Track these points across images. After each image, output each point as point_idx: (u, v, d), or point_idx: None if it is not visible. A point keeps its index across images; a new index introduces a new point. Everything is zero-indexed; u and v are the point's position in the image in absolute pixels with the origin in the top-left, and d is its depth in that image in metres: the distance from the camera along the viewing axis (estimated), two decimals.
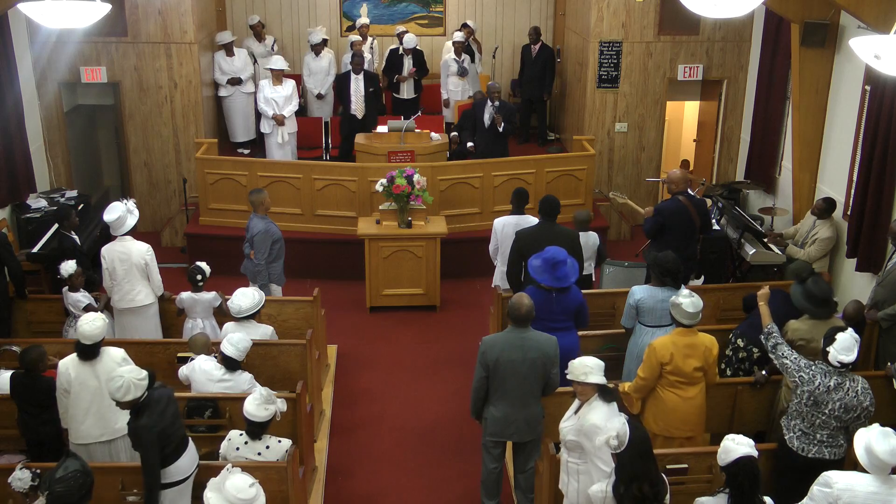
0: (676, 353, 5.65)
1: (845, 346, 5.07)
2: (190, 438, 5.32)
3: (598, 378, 4.94)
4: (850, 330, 5.16)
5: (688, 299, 5.65)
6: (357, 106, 10.86)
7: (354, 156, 10.86)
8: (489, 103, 10.36)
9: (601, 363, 5.00)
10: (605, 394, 4.97)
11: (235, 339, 6.04)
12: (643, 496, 4.19)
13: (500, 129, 10.28)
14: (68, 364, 5.58)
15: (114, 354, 5.66)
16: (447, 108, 12.13)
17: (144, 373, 5.03)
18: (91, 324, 5.53)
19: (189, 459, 5.20)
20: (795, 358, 5.31)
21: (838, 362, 5.09)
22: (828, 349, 5.12)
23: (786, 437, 5.34)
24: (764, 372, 6.26)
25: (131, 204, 7.34)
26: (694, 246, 7.80)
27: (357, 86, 10.79)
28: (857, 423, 5.10)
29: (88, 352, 5.56)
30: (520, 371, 5.50)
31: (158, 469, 4.99)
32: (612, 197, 9.27)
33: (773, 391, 6.25)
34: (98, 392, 5.55)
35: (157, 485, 5.01)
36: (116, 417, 5.64)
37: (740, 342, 6.60)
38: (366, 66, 11.76)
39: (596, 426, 4.84)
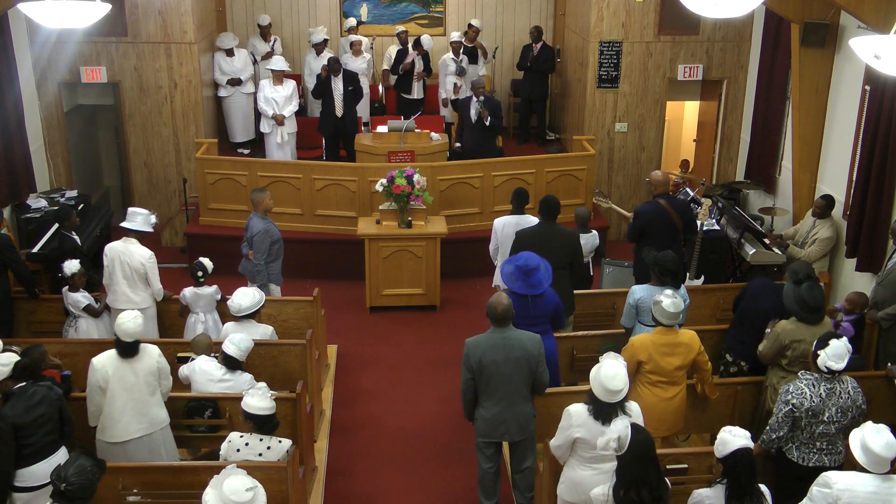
0: (655, 352, 5.69)
1: (837, 353, 5.05)
2: (64, 451, 5.23)
3: (597, 387, 4.84)
4: (844, 339, 5.13)
5: (669, 299, 5.67)
6: (337, 104, 10.89)
7: (342, 155, 10.91)
8: (474, 99, 10.39)
9: (615, 387, 4.80)
10: (591, 401, 4.89)
11: (237, 339, 6.06)
12: (641, 500, 4.19)
13: (487, 124, 10.29)
14: (105, 361, 5.58)
15: (151, 350, 5.73)
16: (446, 107, 12.13)
17: (12, 360, 5.15)
18: (133, 321, 5.56)
19: (48, 469, 5.02)
20: (781, 405, 5.18)
21: (826, 368, 5.06)
22: (819, 352, 5.10)
23: (784, 448, 5.31)
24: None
25: (153, 218, 7.47)
26: (677, 248, 7.78)
27: (337, 86, 10.84)
28: (854, 423, 5.10)
29: (129, 349, 5.59)
30: (504, 371, 5.48)
31: (9, 465, 4.98)
32: (596, 201, 9.29)
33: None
34: (136, 388, 5.59)
35: (5, 481, 4.98)
36: (153, 412, 5.69)
37: (729, 357, 6.63)
38: (364, 67, 11.80)
39: (567, 411, 4.93)
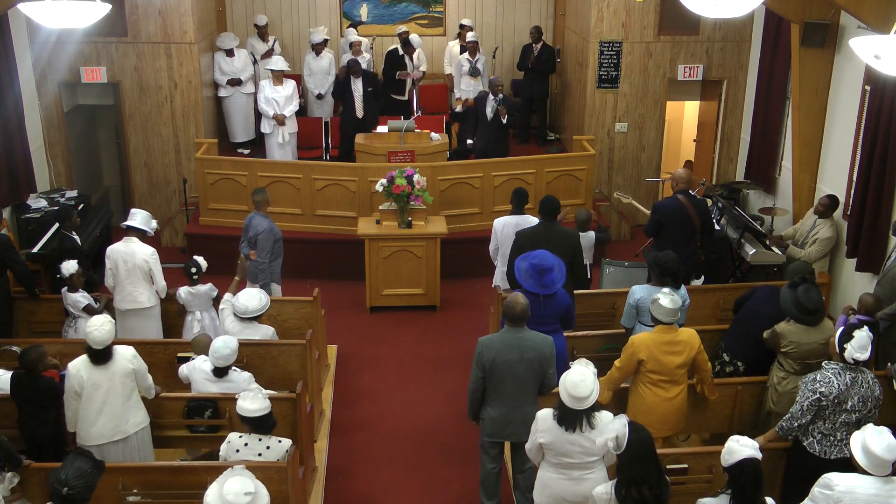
0: (656, 350, 5.69)
1: (862, 344, 5.13)
2: None
3: (562, 392, 4.82)
4: (865, 328, 5.20)
5: (667, 297, 5.69)
6: (358, 105, 10.90)
7: (355, 155, 10.90)
8: (491, 97, 10.40)
9: (579, 394, 4.77)
10: (558, 406, 4.87)
11: (216, 348, 5.96)
12: (642, 499, 4.18)
13: (504, 121, 10.30)
14: (79, 366, 5.58)
15: (124, 353, 5.71)
16: (460, 107, 12.12)
17: None
18: (100, 328, 5.53)
19: None
20: (803, 398, 5.26)
21: (853, 359, 5.15)
22: (845, 345, 5.16)
23: (805, 443, 5.33)
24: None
25: (154, 223, 7.49)
26: (693, 245, 7.81)
27: (357, 87, 10.84)
28: (869, 415, 5.17)
29: (101, 356, 5.58)
30: (516, 371, 5.48)
31: None
32: (616, 197, 9.33)
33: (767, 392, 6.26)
34: (112, 392, 5.59)
35: None
36: (128, 415, 5.69)
37: (726, 356, 6.64)
38: (365, 67, 11.79)
39: (536, 415, 4.96)
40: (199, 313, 7.38)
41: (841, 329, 5.30)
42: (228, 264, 8.49)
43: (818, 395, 5.19)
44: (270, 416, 5.33)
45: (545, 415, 4.92)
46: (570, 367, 4.90)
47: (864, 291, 7.11)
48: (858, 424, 5.15)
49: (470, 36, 11.89)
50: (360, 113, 10.94)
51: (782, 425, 5.39)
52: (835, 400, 5.17)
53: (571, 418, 4.80)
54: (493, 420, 5.64)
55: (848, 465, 4.80)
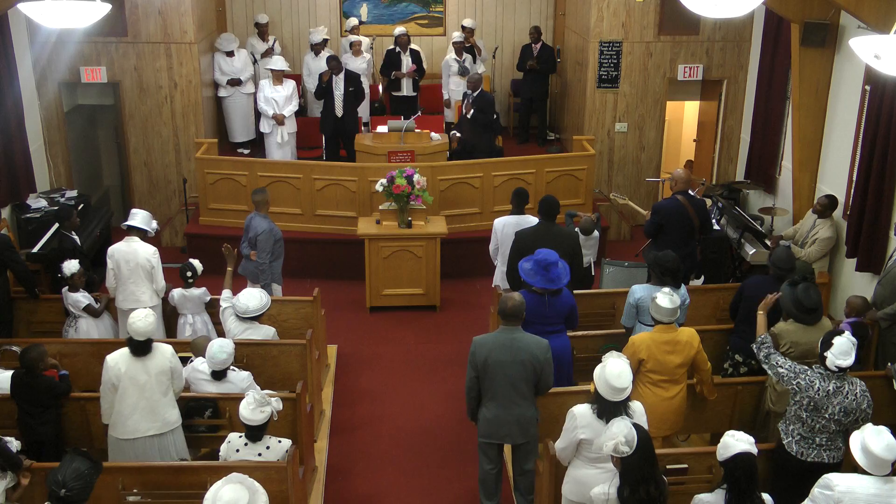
0: (656, 350, 5.69)
1: (843, 350, 5.04)
2: None
3: (602, 385, 4.84)
4: (847, 334, 5.13)
5: (666, 297, 5.69)
6: (337, 104, 10.89)
7: (342, 155, 10.91)
8: (468, 93, 10.51)
9: (621, 385, 4.79)
10: (596, 400, 4.90)
11: (212, 353, 5.98)
12: (649, 498, 4.19)
13: (469, 117, 10.37)
14: (118, 359, 5.62)
15: (164, 350, 5.74)
16: (448, 108, 12.15)
17: None
18: (144, 320, 5.58)
19: None
20: (791, 366, 5.27)
21: (836, 367, 5.06)
22: (825, 353, 5.09)
23: (784, 442, 5.32)
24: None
25: (154, 223, 7.50)
26: (693, 245, 7.82)
27: (338, 86, 10.84)
28: (855, 426, 5.09)
29: (142, 347, 5.62)
30: (508, 372, 5.47)
31: None
32: (612, 198, 9.33)
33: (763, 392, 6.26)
34: (148, 386, 5.61)
35: None
36: (164, 412, 5.69)
37: (738, 357, 6.63)
38: (365, 67, 11.80)
39: (571, 413, 4.93)
40: (192, 317, 7.37)
41: (821, 339, 5.23)
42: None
43: (796, 381, 5.16)
44: (265, 427, 5.31)
45: (583, 411, 4.89)
46: (603, 362, 4.90)
47: (862, 292, 7.14)
48: (843, 434, 5.14)
49: (455, 36, 11.91)
50: (339, 112, 10.90)
51: (767, 351, 5.45)
52: (810, 403, 5.11)
53: (611, 410, 4.80)
54: (487, 421, 5.64)
55: (825, 469, 4.80)
